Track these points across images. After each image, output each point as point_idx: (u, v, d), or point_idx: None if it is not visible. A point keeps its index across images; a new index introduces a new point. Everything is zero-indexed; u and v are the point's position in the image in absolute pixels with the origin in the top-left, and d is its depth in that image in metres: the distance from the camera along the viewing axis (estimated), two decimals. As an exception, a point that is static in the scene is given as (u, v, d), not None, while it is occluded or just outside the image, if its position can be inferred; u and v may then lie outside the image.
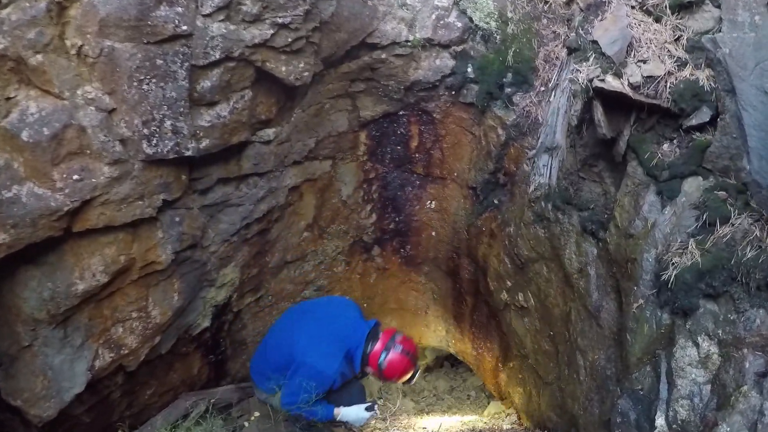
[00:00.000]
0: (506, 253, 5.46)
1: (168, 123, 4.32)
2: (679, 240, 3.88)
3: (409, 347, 4.61)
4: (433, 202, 6.16)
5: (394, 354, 4.51)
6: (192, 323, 5.50)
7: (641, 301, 3.95)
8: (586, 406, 4.47)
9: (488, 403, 7.08)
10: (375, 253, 6.56)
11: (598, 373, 4.37)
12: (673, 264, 3.77)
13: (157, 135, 4.31)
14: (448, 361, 8.33)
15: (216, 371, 6.13)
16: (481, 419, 6.27)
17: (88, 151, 4.05)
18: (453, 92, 5.59)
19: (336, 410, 4.66)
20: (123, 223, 4.39)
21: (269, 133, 5.12)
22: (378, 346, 4.56)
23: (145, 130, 4.25)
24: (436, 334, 6.98)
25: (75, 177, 4.02)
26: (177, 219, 4.82)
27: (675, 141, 4.29)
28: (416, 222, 6.34)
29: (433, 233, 6.30)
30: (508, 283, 5.53)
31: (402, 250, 6.55)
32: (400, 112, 5.76)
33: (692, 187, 4.02)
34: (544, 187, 4.73)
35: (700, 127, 4.11)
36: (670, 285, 3.72)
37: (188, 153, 4.46)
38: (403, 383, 4.98)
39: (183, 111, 4.38)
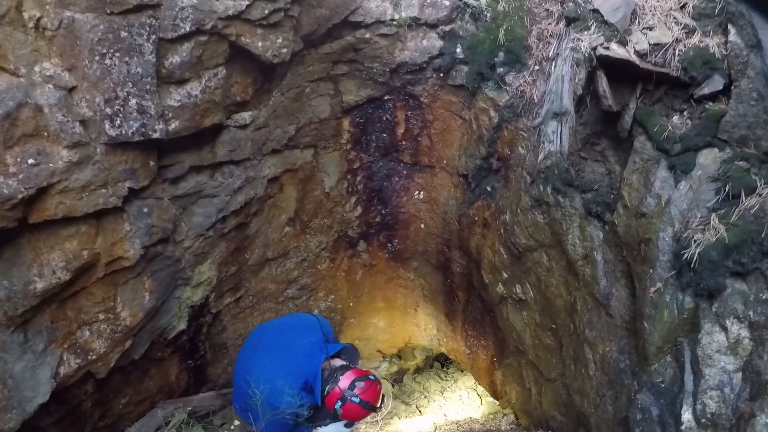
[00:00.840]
0: (502, 242, 4.98)
1: (133, 102, 3.82)
2: (698, 215, 3.45)
3: (368, 397, 4.07)
4: (422, 193, 5.68)
5: (350, 404, 4.00)
6: (167, 326, 4.95)
7: (659, 284, 3.50)
8: (598, 403, 3.99)
9: (481, 403, 6.61)
10: (361, 249, 6.05)
11: (610, 366, 3.90)
12: (695, 241, 3.33)
13: (121, 115, 3.81)
14: (438, 362, 7.85)
15: (195, 377, 5.58)
16: (476, 420, 5.77)
17: (45, 134, 3.54)
18: (441, 74, 5.13)
19: (315, 431, 4.23)
20: (85, 214, 3.87)
21: (245, 116, 4.62)
22: (336, 390, 4.02)
23: (108, 110, 3.76)
24: (426, 332, 6.48)
25: (30, 161, 3.51)
26: (145, 210, 4.29)
27: (686, 112, 3.88)
28: (404, 214, 5.85)
29: (422, 225, 5.81)
30: (504, 274, 5.05)
31: (389, 245, 6.05)
32: (386, 97, 5.29)
33: (708, 159, 3.60)
34: (555, 155, 4.27)
35: (713, 97, 3.72)
36: (692, 264, 3.28)
37: (156, 135, 3.95)
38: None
39: (150, 89, 3.88)
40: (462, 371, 7.36)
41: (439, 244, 5.78)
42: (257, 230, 5.31)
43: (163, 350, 5.09)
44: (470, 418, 5.97)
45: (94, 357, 4.30)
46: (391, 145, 5.50)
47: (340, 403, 3.96)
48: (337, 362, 4.14)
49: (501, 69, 4.87)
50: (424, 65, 5.08)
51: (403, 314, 6.42)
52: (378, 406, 4.15)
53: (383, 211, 5.84)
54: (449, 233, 5.61)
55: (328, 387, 4.00)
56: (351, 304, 6.26)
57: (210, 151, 4.54)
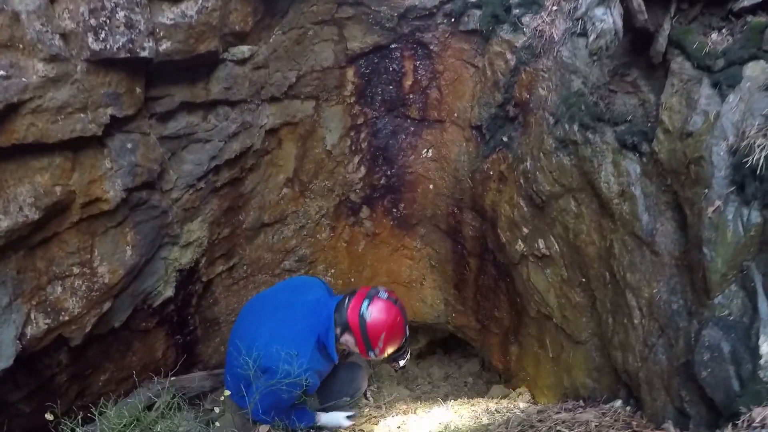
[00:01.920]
0: (521, 194, 4.42)
1: (121, 14, 3.27)
2: (755, 123, 2.93)
3: (395, 296, 3.59)
4: (430, 150, 5.11)
5: (377, 301, 3.48)
6: (151, 290, 4.30)
7: (718, 203, 2.95)
8: (646, 355, 3.39)
9: (488, 389, 5.95)
10: (363, 216, 5.44)
11: (660, 310, 3.32)
12: (758, 146, 2.79)
13: (106, 28, 3.25)
14: (441, 348, 7.20)
15: (184, 355, 4.89)
16: (491, 402, 5.12)
17: (21, 45, 2.97)
18: (452, 20, 4.64)
19: (317, 416, 3.83)
20: (60, 141, 3.26)
21: (243, 50, 4.07)
22: (356, 299, 3.53)
23: (93, 21, 3.20)
24: (433, 309, 5.84)
25: (1, 73, 2.92)
26: (129, 146, 3.69)
27: (724, 29, 3.42)
28: (411, 175, 5.27)
29: (431, 186, 5.23)
30: (525, 230, 4.47)
31: (394, 210, 5.45)
32: (393, 45, 4.76)
33: (756, 71, 3.13)
34: (609, 33, 3.69)
35: (753, 10, 3.27)
36: (758, 171, 2.74)
37: (144, 53, 3.39)
38: (394, 359, 3.94)
39: (141, 1, 3.32)
40: (466, 357, 6.72)
41: (450, 205, 5.19)
42: (253, 189, 4.69)
43: (148, 320, 4.42)
44: (483, 400, 5.31)
45: (66, 318, 3.66)
46: (397, 98, 4.95)
47: (366, 303, 3.43)
48: None
49: (517, 10, 4.38)
50: (434, 10, 4.58)
51: (408, 289, 5.78)
52: (405, 319, 3.58)
53: (388, 172, 5.26)
54: (461, 192, 5.03)
55: (346, 302, 3.51)
56: (352, 279, 5.62)
57: (204, 88, 3.96)
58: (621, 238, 3.64)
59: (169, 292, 4.42)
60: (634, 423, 3.30)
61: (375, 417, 4.91)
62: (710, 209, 2.98)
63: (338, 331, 3.57)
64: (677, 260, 3.28)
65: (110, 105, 3.43)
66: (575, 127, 3.96)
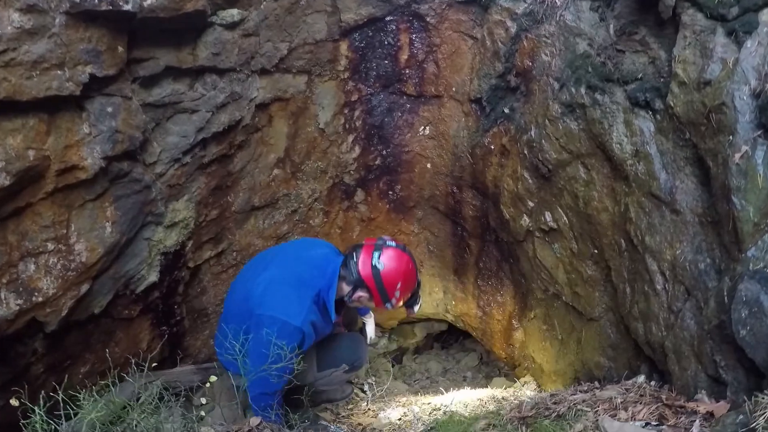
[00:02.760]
0: (526, 166, 4.15)
1: (102, -37, 2.95)
2: (776, 63, 2.71)
3: (401, 243, 3.40)
4: (428, 128, 4.83)
5: (388, 250, 3.26)
6: (134, 274, 3.95)
7: (745, 148, 2.70)
8: (672, 322, 3.11)
9: (488, 383, 5.64)
10: (358, 200, 5.13)
11: (685, 272, 3.04)
12: (782, 83, 2.56)
13: (87, -23, 2.93)
14: (437, 343, 6.88)
15: (171, 348, 4.52)
16: (496, 391, 4.81)
17: (-5, -6, 2.67)
18: (449, -10, 4.37)
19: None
20: (34, 99, 2.94)
21: (233, 13, 3.77)
22: (364, 252, 3.29)
23: (73, -31, 2.88)
24: (432, 297, 5.52)
25: (-27, 22, 2.62)
26: (109, 110, 3.36)
27: (737, -22, 3.20)
28: (408, 154, 4.98)
29: (429, 165, 4.94)
30: (530, 203, 4.19)
31: (390, 193, 5.15)
32: (388, 18, 4.49)
33: (772, 15, 2.92)
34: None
35: (765, -45, 3.06)
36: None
37: (127, 7, 3.09)
38: (408, 305, 3.60)
39: (124, -50, 3.03)
40: (465, 351, 6.42)
41: (449, 185, 4.90)
42: (242, 168, 4.37)
43: (131, 307, 4.06)
44: (488, 390, 5.00)
45: (40, 299, 3.30)
46: (393, 73, 4.67)
47: (377, 254, 3.21)
48: None
49: (516, -23, 4.15)
50: (431, -20, 4.33)
51: (406, 278, 5.48)
52: (416, 265, 3.38)
53: (384, 152, 4.97)
54: (460, 170, 4.75)
55: (355, 255, 3.28)
56: (347, 268, 5.31)
57: (191, 53, 3.65)
58: (637, 201, 3.37)
59: (153, 276, 4.06)
60: (663, 397, 2.99)
61: (373, 410, 4.60)
62: (737, 156, 2.72)
63: (349, 289, 3.33)
64: (701, 217, 3.02)
65: (90, 63, 3.11)
66: (582, 90, 3.72)
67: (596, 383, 3.88)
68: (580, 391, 3.78)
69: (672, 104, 3.14)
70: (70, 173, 3.26)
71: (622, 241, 3.51)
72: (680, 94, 3.12)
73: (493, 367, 6.43)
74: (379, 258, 3.22)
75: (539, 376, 4.83)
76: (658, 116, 3.33)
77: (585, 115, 3.71)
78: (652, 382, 3.33)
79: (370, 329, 4.24)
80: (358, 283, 3.29)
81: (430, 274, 5.43)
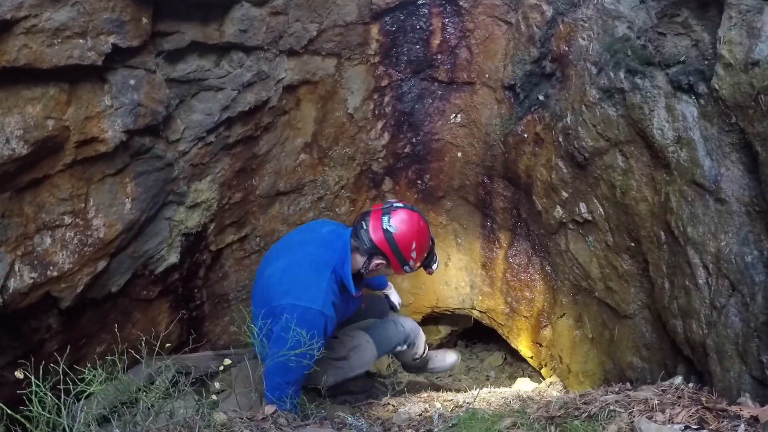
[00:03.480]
0: (560, 155, 3.93)
1: (128, -72, 2.85)
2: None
3: (408, 203, 3.27)
4: (459, 115, 4.63)
5: (396, 212, 3.11)
6: (153, 254, 3.84)
7: (800, 132, 2.44)
8: (715, 319, 2.85)
9: (511, 384, 5.40)
10: (386, 189, 4.95)
11: (730, 265, 2.79)
12: None
13: (114, -60, 2.83)
14: (461, 340, 6.65)
15: (189, 332, 4.39)
16: (522, 389, 4.57)
17: (19, -47, 2.59)
18: (483, -28, 4.17)
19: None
20: (55, 68, 2.85)
21: (262, -11, 3.63)
22: (373, 218, 3.14)
23: (100, -69, 2.79)
24: (458, 292, 5.30)
25: (-6, -13, 2.54)
26: (132, 82, 3.25)
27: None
28: (438, 142, 4.78)
29: (459, 154, 4.74)
30: (564, 194, 3.96)
31: (419, 182, 4.95)
32: (420, 1, 4.31)
33: (823, -9, 2.66)
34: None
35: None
36: None
37: (150, -25, 2.95)
38: (426, 266, 3.42)
39: None
40: (488, 350, 6.19)
41: (480, 174, 4.69)
42: (268, 151, 4.23)
43: (149, 288, 3.95)
44: (512, 389, 4.77)
45: (55, 273, 3.20)
46: (424, 59, 4.48)
47: (386, 219, 3.06)
48: None
49: (554, -41, 3.94)
50: (465, -38, 4.14)
51: (432, 270, 5.27)
52: (427, 223, 3.23)
53: (414, 140, 4.78)
54: (492, 159, 4.53)
55: (363, 223, 3.13)
56: (371, 259, 5.13)
57: (217, 29, 3.53)
58: (679, 190, 3.12)
59: (174, 258, 3.94)
60: (703, 399, 2.74)
61: (393, 405, 4.40)
62: (792, 139, 2.48)
63: (364, 259, 3.17)
64: (747, 206, 2.77)
65: (113, 33, 3.01)
66: (621, 74, 3.48)
67: (628, 384, 3.63)
68: (612, 392, 3.54)
69: (717, 87, 2.89)
70: (89, 145, 3.15)
71: (662, 232, 3.26)
72: (726, 76, 2.86)
73: (516, 367, 6.21)
74: (389, 221, 3.07)
75: (566, 376, 4.58)
76: (701, 100, 3.08)
77: (624, 100, 3.48)
78: (690, 384, 3.07)
79: (395, 297, 4.16)
80: (373, 251, 3.12)
81: (458, 267, 5.21)
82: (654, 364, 3.47)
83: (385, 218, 3.09)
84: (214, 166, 3.93)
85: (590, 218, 3.78)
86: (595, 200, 3.72)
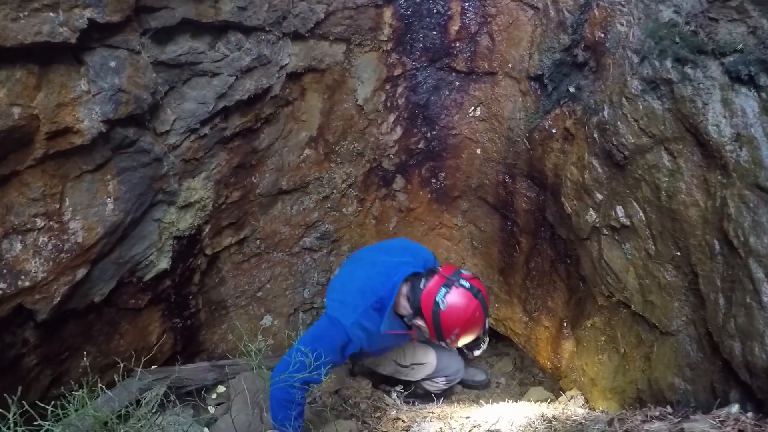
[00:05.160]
0: (594, 152, 3.43)
1: None
2: None
3: (478, 286, 3.05)
4: (479, 108, 4.12)
5: (457, 291, 2.94)
6: (141, 260, 3.36)
7: None
8: (783, 341, 2.37)
9: (522, 392, 4.93)
10: (397, 187, 4.45)
11: (804, 281, 2.30)
12: None
13: None
14: (471, 346, 6.20)
15: (184, 342, 3.94)
16: (543, 407, 4.10)
17: None
18: (507, -49, 3.67)
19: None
20: (20, 45, 2.38)
21: (263, -38, 3.13)
22: (433, 281, 3.01)
23: None
24: (473, 300, 4.82)
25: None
26: (112, 64, 2.75)
27: None
28: (455, 137, 4.28)
29: (478, 151, 4.24)
30: (598, 196, 3.47)
31: (433, 181, 4.46)
32: (437, -17, 3.80)
33: None
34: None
35: None
36: None
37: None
38: (468, 348, 3.35)
39: None
40: (498, 356, 5.69)
41: (500, 173, 4.19)
42: (270, 146, 3.75)
43: (138, 297, 3.48)
44: (533, 405, 4.30)
45: (27, 284, 2.75)
46: (441, 47, 3.98)
47: (443, 291, 2.92)
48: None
49: (586, -64, 3.43)
50: (487, -61, 3.64)
51: (445, 276, 4.79)
52: (487, 314, 3.11)
53: (428, 135, 4.28)
54: (515, 157, 4.04)
55: (423, 282, 3.04)
56: (380, 263, 4.65)
57: (212, 6, 3.03)
58: (738, 194, 2.63)
59: (164, 263, 3.47)
60: (771, 434, 2.28)
61: (403, 421, 3.93)
62: None
63: (410, 312, 3.14)
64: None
65: (89, 5, 2.53)
66: (668, 64, 2.98)
67: (668, 407, 3.16)
68: (653, 417, 3.06)
69: (787, 77, 2.42)
70: (63, 137, 2.68)
71: (716, 242, 2.77)
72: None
73: (527, 373, 5.74)
74: (444, 296, 2.95)
75: (588, 390, 4.10)
76: (763, 94, 2.60)
77: (672, 92, 2.98)
78: (749, 413, 2.61)
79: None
80: (417, 312, 3.09)
81: (472, 273, 4.72)
82: (699, 387, 2.99)
83: (443, 291, 2.96)
84: (209, 162, 3.44)
85: (628, 223, 3.29)
86: (635, 204, 3.22)
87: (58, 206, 2.80)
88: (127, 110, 2.84)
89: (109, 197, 2.99)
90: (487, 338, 3.37)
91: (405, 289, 3.15)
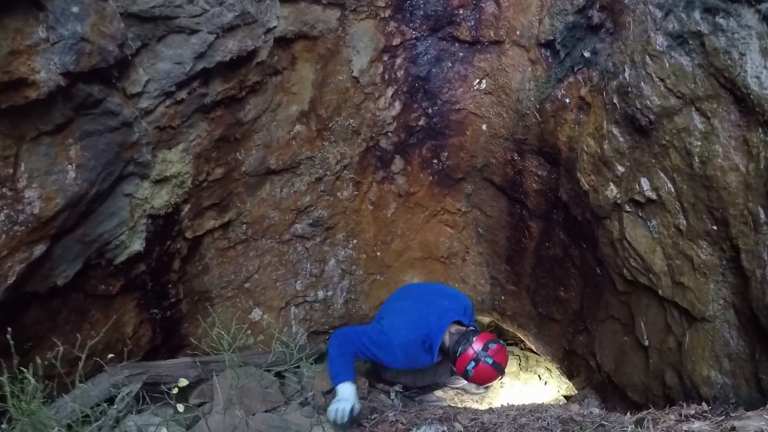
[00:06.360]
0: (614, 120, 3.06)
1: None
2: None
3: (500, 359, 3.58)
4: (484, 81, 3.76)
5: (483, 366, 3.53)
6: (110, 239, 2.97)
7: None
8: None
9: (528, 393, 4.57)
10: (396, 169, 4.07)
11: None
12: None
13: None
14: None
15: (164, 336, 3.53)
16: (556, 407, 3.70)
17: None
18: None
19: (340, 385, 3.35)
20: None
21: None
22: (469, 352, 3.53)
23: None
24: (476, 291, 4.42)
25: None
26: (75, 10, 2.39)
27: None
28: (458, 113, 3.91)
29: (484, 127, 3.86)
30: (619, 168, 3.10)
31: (435, 162, 4.08)
32: (439, -56, 3.45)
33: None
34: None
35: None
36: None
37: None
38: (481, 385, 4.33)
39: None
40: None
41: (508, 151, 3.82)
42: (256, 118, 3.38)
43: (109, 282, 3.09)
44: (543, 403, 3.90)
45: (-26, 260, 2.33)
46: (444, 14, 3.62)
47: (473, 364, 3.53)
48: (464, 329, 3.66)
49: None
50: None
51: (447, 266, 4.38)
52: (503, 374, 3.74)
53: (429, 110, 3.91)
54: (524, 131, 3.66)
55: (460, 348, 3.54)
56: (378, 253, 4.25)
57: (189, -49, 2.66)
58: (789, 153, 2.26)
59: (137, 245, 3.09)
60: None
61: (403, 423, 3.52)
62: None
63: (448, 355, 3.64)
64: None
65: (45, -60, 2.17)
66: (697, 15, 2.64)
67: (703, 404, 2.75)
68: (690, 416, 2.66)
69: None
70: (16, 91, 2.30)
71: (761, 210, 2.40)
72: None
73: (531, 373, 5.41)
74: (473, 368, 3.48)
75: (603, 388, 3.71)
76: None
77: (702, 46, 2.63)
78: (809, 411, 2.21)
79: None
80: (452, 362, 3.61)
81: (476, 262, 4.33)
82: (740, 380, 2.59)
83: (472, 363, 3.46)
84: (187, 132, 3.06)
85: (654, 197, 2.91)
86: (662, 174, 2.85)
87: (11, 171, 2.42)
88: (90, 63, 2.47)
89: (71, 164, 2.60)
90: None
91: (446, 337, 3.59)
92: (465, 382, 4.48)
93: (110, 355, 2.76)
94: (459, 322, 3.70)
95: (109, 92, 2.65)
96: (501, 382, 4.91)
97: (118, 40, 2.54)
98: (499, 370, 3.61)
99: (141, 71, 2.77)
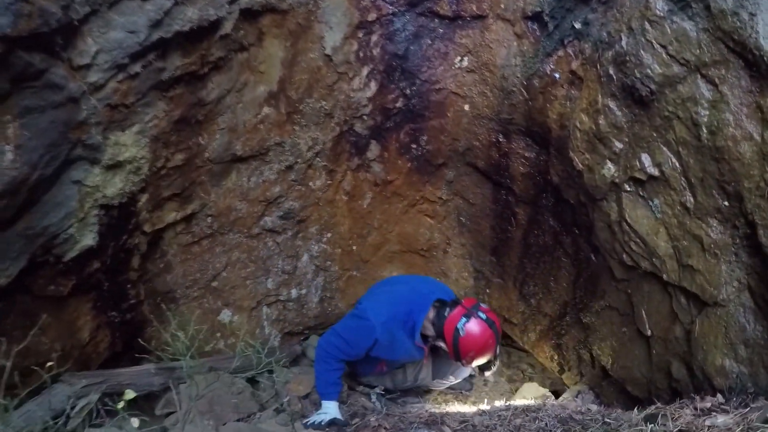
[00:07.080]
0: (611, 93, 2.85)
1: None
2: None
3: (493, 317, 3.35)
4: (466, 58, 3.50)
5: (475, 321, 3.26)
6: (58, 233, 2.63)
7: None
8: None
9: (513, 389, 4.31)
10: (372, 156, 3.78)
11: None
12: None
13: None
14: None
15: (125, 341, 3.17)
16: (555, 405, 3.47)
17: None
18: None
19: (328, 402, 3.26)
20: None
21: None
22: (456, 311, 3.31)
23: None
24: (458, 285, 4.15)
25: None
26: (6, -40, 2.02)
27: None
28: (438, 93, 3.64)
29: (466, 107, 3.61)
30: (617, 144, 2.88)
31: (414, 146, 3.80)
32: None
33: None
34: None
35: None
36: None
37: None
38: (480, 368, 3.67)
39: None
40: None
41: (493, 132, 3.57)
42: (220, 99, 3.05)
43: (59, 281, 2.74)
44: (530, 401, 3.67)
45: None
46: (423, -12, 3.36)
47: (464, 320, 3.25)
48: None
49: None
50: None
51: (427, 260, 4.10)
52: (498, 342, 3.40)
53: (408, 91, 3.63)
54: (510, 110, 3.42)
55: (448, 310, 3.32)
56: (354, 247, 3.94)
57: None
58: (809, 119, 2.07)
59: (89, 239, 2.74)
60: None
61: (386, 428, 3.24)
62: None
63: (433, 334, 3.43)
64: None
65: None
66: (698, -25, 2.43)
67: (719, 397, 2.54)
68: (707, 410, 2.44)
69: None
70: (-62, 55, 1.94)
71: (781, 181, 2.19)
72: None
73: (515, 369, 5.20)
74: (464, 324, 3.24)
75: (599, 383, 3.50)
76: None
77: (707, 8, 2.43)
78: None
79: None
80: (439, 334, 3.37)
81: (459, 254, 4.07)
82: (758, 367, 2.39)
83: (463, 320, 3.24)
84: (142, 112, 2.73)
85: (657, 173, 2.69)
86: (665, 148, 2.63)
87: (-67, 152, 2.07)
88: (29, 26, 2.12)
89: (8, 144, 2.25)
90: (498, 362, 3.63)
91: (431, 314, 3.38)
92: (447, 384, 4.17)
93: (49, 363, 2.40)
94: (442, 301, 3.45)
95: (53, 62, 2.31)
96: (484, 380, 4.63)
97: (62, 1, 2.21)
98: (493, 328, 3.29)
99: (90, 40, 2.43)
